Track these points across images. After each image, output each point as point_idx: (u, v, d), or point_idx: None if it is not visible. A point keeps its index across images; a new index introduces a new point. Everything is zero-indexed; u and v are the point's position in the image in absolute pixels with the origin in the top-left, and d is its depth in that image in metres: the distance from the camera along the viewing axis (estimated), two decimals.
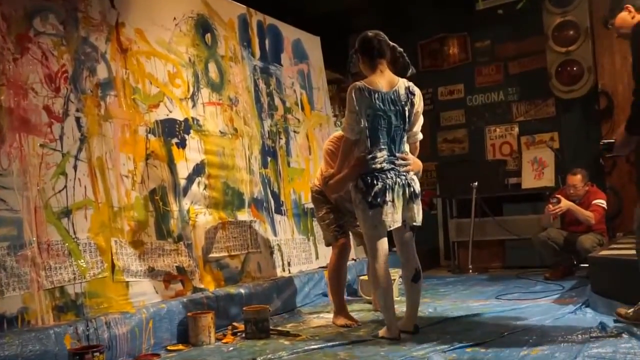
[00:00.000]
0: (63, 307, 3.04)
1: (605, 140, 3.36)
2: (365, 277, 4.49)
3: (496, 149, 7.31)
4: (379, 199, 3.16)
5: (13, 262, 2.87)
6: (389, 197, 3.18)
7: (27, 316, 2.87)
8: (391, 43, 3.34)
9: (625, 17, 3.21)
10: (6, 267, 2.84)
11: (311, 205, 5.20)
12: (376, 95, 3.20)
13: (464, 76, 7.50)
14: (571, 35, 6.41)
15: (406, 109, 3.25)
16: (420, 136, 3.42)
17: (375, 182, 3.17)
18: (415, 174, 3.34)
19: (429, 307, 4.20)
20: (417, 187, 3.31)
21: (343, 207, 3.93)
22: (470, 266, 6.35)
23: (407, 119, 3.27)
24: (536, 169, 6.62)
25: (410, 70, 3.35)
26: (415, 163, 3.36)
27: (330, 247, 3.97)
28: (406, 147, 3.34)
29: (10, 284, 2.84)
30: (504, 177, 6.89)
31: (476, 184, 6.32)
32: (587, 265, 5.38)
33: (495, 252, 6.62)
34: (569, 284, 4.92)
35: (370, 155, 3.20)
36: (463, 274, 6.29)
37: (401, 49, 3.37)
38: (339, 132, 3.97)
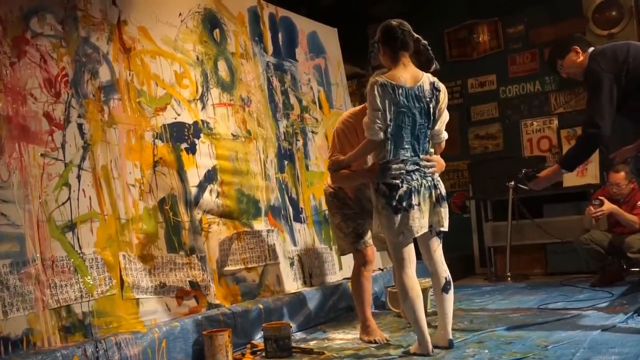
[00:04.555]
0: (70, 327, 3.10)
1: (528, 170, 3.77)
2: (394, 289, 4.49)
3: (534, 145, 7.27)
4: (404, 203, 3.16)
5: (16, 280, 2.93)
6: (415, 200, 3.18)
7: (33, 338, 2.92)
8: (415, 35, 3.33)
9: (573, 57, 3.77)
10: (9, 286, 2.90)
11: None
12: (399, 91, 3.19)
13: (496, 66, 7.47)
14: (614, 17, 6.37)
15: (431, 105, 3.25)
16: (445, 135, 3.41)
17: (399, 184, 3.18)
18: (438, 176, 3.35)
19: (464, 319, 4.20)
20: (443, 189, 3.32)
21: (364, 203, 3.80)
22: (508, 273, 6.32)
23: (431, 117, 3.28)
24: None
25: (434, 66, 3.34)
26: (439, 163, 3.37)
27: (352, 257, 3.99)
28: (431, 147, 3.35)
29: (13, 303, 2.90)
30: None
31: (513, 183, 6.30)
32: (638, 269, 5.36)
33: (536, 258, 6.59)
34: (618, 290, 4.89)
35: (386, 165, 3.20)
36: (501, 282, 6.26)
37: (425, 42, 3.36)
38: (353, 109, 3.94)
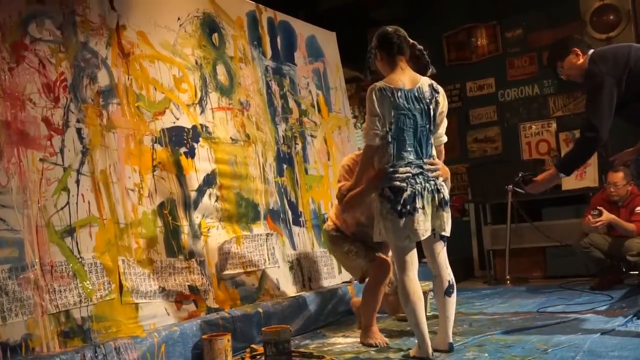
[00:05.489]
0: (69, 332, 3.09)
1: (525, 174, 3.79)
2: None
3: (532, 148, 7.27)
4: (408, 207, 3.17)
5: (15, 285, 2.92)
6: (419, 204, 3.18)
7: (32, 343, 2.91)
8: (411, 40, 3.37)
9: (573, 59, 3.73)
10: (8, 292, 2.89)
11: None
12: (399, 94, 3.21)
13: (495, 69, 7.48)
14: (611, 20, 6.38)
15: (431, 107, 3.27)
16: (444, 139, 3.43)
17: (404, 188, 3.18)
18: (443, 181, 3.34)
19: (463, 322, 4.19)
20: (446, 193, 3.31)
21: (366, 239, 3.89)
22: (507, 277, 6.31)
23: (432, 119, 3.28)
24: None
25: (431, 70, 3.37)
26: (444, 169, 3.37)
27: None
28: (433, 151, 3.35)
29: (12, 309, 2.89)
30: None
31: (511, 186, 6.29)
32: (637, 272, 5.35)
33: (535, 261, 6.57)
34: (618, 293, 4.88)
35: (392, 169, 3.21)
36: (500, 285, 6.25)
37: (421, 47, 3.39)
38: (359, 151, 4.01)
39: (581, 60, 3.72)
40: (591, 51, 3.71)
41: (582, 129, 3.62)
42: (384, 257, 3.87)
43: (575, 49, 3.74)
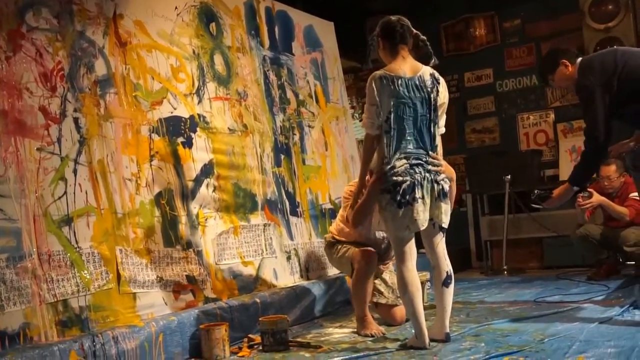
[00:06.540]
0: (67, 321, 3.09)
1: (541, 191, 3.81)
2: None
3: (530, 138, 7.28)
4: (408, 197, 3.17)
5: (13, 274, 2.92)
6: (418, 193, 3.18)
7: (30, 332, 2.92)
8: (414, 30, 3.36)
9: (563, 71, 3.79)
10: (6, 281, 2.89)
11: (329, 206, 5.24)
12: (399, 82, 3.21)
13: (493, 60, 7.48)
14: (610, 10, 6.36)
15: (432, 96, 3.26)
16: (442, 130, 3.42)
17: (402, 178, 3.19)
18: (446, 177, 3.33)
19: (460, 312, 4.21)
20: (446, 186, 3.30)
21: (365, 243, 3.96)
22: (504, 267, 6.34)
23: (433, 108, 3.28)
24: (575, 158, 6.58)
25: (433, 61, 3.37)
26: (448, 169, 3.37)
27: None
28: (438, 141, 3.33)
29: (10, 298, 2.89)
30: (539, 169, 6.86)
31: (509, 177, 6.30)
32: (634, 262, 5.37)
33: (533, 251, 6.60)
34: (614, 283, 4.91)
35: (389, 167, 3.21)
36: (497, 275, 6.28)
37: (424, 37, 3.39)
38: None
39: (570, 70, 3.78)
40: (579, 60, 3.75)
41: (585, 142, 3.68)
42: (371, 249, 3.87)
43: (563, 60, 3.80)
